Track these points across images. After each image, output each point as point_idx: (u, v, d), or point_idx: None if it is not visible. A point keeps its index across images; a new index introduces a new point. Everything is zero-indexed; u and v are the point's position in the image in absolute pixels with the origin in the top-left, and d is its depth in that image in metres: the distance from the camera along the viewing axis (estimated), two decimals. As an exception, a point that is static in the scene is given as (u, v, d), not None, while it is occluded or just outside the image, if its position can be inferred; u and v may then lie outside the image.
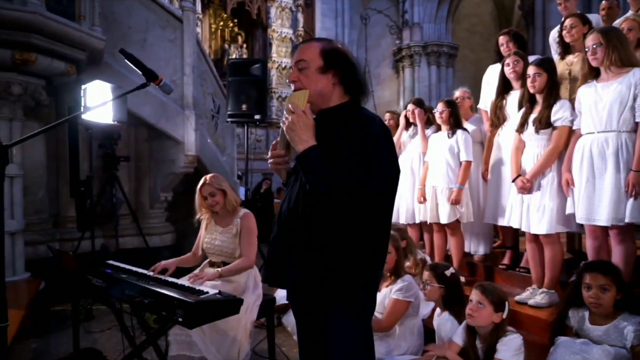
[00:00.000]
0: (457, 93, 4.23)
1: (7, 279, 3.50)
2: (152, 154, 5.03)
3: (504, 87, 3.46)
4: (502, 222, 3.30)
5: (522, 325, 2.80)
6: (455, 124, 3.67)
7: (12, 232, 3.57)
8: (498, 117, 3.44)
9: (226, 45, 12.23)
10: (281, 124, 1.57)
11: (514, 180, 3.01)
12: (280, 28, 12.17)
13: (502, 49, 3.72)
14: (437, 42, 11.41)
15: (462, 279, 3.52)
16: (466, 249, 3.97)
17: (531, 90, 2.93)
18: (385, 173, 1.48)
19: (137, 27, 4.55)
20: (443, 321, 2.47)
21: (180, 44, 4.73)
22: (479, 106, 4.04)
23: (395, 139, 4.58)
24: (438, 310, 2.63)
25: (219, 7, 12.10)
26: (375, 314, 2.75)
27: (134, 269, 2.71)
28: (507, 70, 3.37)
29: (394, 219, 4.15)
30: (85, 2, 3.71)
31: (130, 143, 4.93)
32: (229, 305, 2.25)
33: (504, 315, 2.15)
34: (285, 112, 1.55)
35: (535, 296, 2.94)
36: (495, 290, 2.21)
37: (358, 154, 1.43)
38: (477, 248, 3.98)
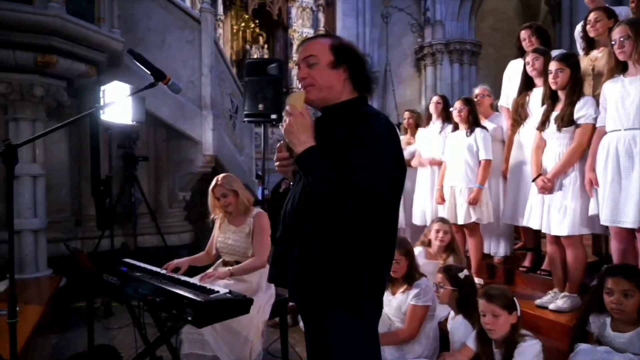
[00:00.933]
0: (477, 90, 4.13)
1: (30, 275, 3.65)
2: (170, 154, 5.09)
3: (526, 84, 3.35)
4: (521, 222, 3.20)
5: (542, 330, 2.72)
6: (474, 122, 3.58)
7: (35, 230, 3.68)
8: (520, 115, 3.34)
9: (248, 46, 12.31)
10: (280, 127, 1.55)
11: (534, 180, 2.91)
12: (301, 28, 12.17)
13: (524, 44, 3.61)
14: (460, 39, 11.18)
15: (481, 281, 3.44)
16: (486, 250, 3.88)
17: (553, 87, 2.83)
18: (388, 173, 1.43)
19: (156, 28, 4.61)
20: (456, 325, 2.40)
21: (198, 45, 4.77)
22: (499, 103, 3.93)
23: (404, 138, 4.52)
24: (452, 313, 2.56)
25: (240, 8, 12.19)
26: (395, 321, 2.72)
27: (149, 267, 2.75)
28: (528, 68, 3.26)
29: (415, 221, 4.13)
30: (105, 4, 3.77)
31: (149, 143, 5.00)
32: (239, 305, 2.24)
33: (518, 313, 2.06)
34: (284, 114, 1.52)
35: (556, 300, 2.84)
36: (500, 293, 2.11)
37: (359, 153, 1.39)
38: (497, 249, 3.87)
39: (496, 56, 11.92)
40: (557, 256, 2.90)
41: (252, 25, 12.48)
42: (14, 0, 3.18)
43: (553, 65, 2.81)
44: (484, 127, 3.60)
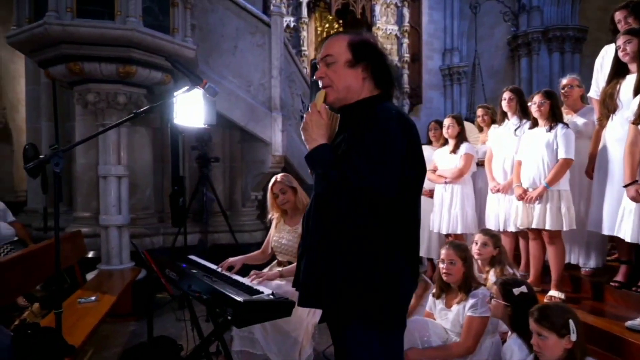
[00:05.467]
0: (565, 80, 3.68)
1: (114, 267, 4.00)
2: (243, 155, 5.31)
3: (617, 71, 2.90)
4: (609, 231, 2.77)
5: (630, 356, 2.35)
6: (555, 118, 3.19)
7: (119, 226, 4.04)
8: (607, 107, 2.90)
9: (331, 47, 12.43)
10: None
11: (627, 186, 2.49)
12: (385, 25, 11.98)
13: (620, 26, 3.16)
14: (561, 25, 10.12)
15: (562, 295, 3.06)
16: (573, 261, 3.45)
17: None
18: (395, 171, 1.32)
19: (229, 35, 4.82)
20: (509, 344, 2.13)
21: (268, 48, 4.89)
22: (589, 95, 3.46)
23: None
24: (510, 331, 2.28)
25: (324, 9, 12.35)
26: (452, 335, 2.52)
27: (207, 264, 2.87)
28: (620, 53, 2.82)
29: (489, 225, 3.78)
30: (179, 16, 4.04)
31: (224, 145, 5.26)
32: (280, 307, 2.23)
33: (573, 338, 1.76)
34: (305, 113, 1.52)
35: (652, 324, 2.41)
36: (552, 313, 1.80)
37: (363, 150, 1.31)
38: (586, 260, 3.41)
39: (607, 41, 10.59)
40: (655, 272, 2.47)
41: (336, 26, 12.56)
42: (98, 17, 3.53)
43: None
44: (565, 124, 3.19)
